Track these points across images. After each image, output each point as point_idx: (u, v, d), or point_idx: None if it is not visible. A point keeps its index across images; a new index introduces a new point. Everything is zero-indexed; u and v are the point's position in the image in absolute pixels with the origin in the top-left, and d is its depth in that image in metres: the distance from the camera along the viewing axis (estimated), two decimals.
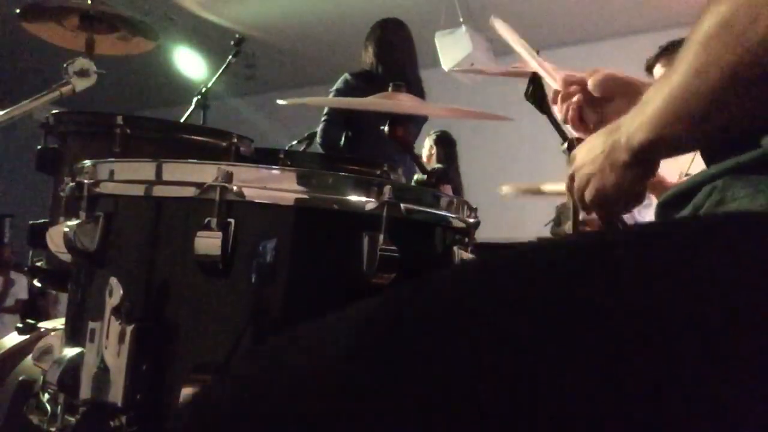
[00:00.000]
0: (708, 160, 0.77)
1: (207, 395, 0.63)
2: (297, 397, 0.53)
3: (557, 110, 1.18)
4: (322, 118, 3.21)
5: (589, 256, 0.57)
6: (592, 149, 0.85)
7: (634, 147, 0.76)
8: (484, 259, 0.70)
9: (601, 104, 1.12)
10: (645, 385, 0.51)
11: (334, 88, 3.29)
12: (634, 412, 0.51)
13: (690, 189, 0.75)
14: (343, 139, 3.22)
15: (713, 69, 0.64)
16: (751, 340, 0.55)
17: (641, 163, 0.78)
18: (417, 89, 3.31)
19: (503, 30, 1.32)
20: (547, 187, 2.75)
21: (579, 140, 1.10)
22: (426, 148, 4.62)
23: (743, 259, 0.57)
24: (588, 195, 0.86)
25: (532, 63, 1.26)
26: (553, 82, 1.20)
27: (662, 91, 0.71)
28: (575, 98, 1.13)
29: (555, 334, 0.50)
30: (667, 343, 0.53)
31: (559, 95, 1.16)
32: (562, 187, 1.38)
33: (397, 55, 3.38)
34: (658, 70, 2.47)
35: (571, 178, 0.91)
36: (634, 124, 0.76)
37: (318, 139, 3.13)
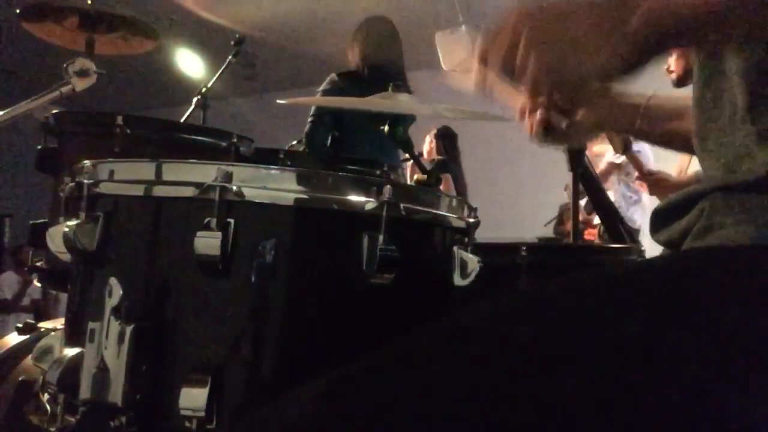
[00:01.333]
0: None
1: None
2: None
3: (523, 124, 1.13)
4: (309, 120, 3.18)
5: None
6: (575, 13, 0.63)
7: (655, 22, 0.62)
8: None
9: (569, 110, 1.10)
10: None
11: (321, 88, 3.26)
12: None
13: (682, 203, 0.76)
14: (329, 140, 3.19)
15: None
16: (734, 367, 0.58)
17: (651, 44, 0.63)
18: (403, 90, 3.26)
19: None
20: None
21: None
22: (426, 142, 4.62)
23: (725, 292, 0.60)
24: (545, 58, 0.64)
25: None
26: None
27: None
28: (539, 109, 1.09)
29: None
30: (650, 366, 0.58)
31: (525, 108, 1.12)
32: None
33: (382, 54, 3.33)
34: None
35: (512, 30, 0.65)
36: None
37: (304, 139, 3.12)
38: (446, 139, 4.60)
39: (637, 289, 0.65)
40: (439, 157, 4.47)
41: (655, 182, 2.83)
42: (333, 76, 3.26)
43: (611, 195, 3.38)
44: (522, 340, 0.63)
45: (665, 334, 0.60)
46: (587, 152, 2.19)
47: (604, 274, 0.74)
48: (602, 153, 4.08)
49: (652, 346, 0.59)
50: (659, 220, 0.80)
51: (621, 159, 3.92)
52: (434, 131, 4.59)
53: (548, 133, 1.01)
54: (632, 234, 2.84)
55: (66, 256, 0.99)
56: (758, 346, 0.59)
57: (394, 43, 3.42)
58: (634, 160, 2.98)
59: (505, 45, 0.65)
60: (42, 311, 5.78)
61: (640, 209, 4.38)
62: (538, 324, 0.64)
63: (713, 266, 0.65)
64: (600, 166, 4.03)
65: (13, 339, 1.76)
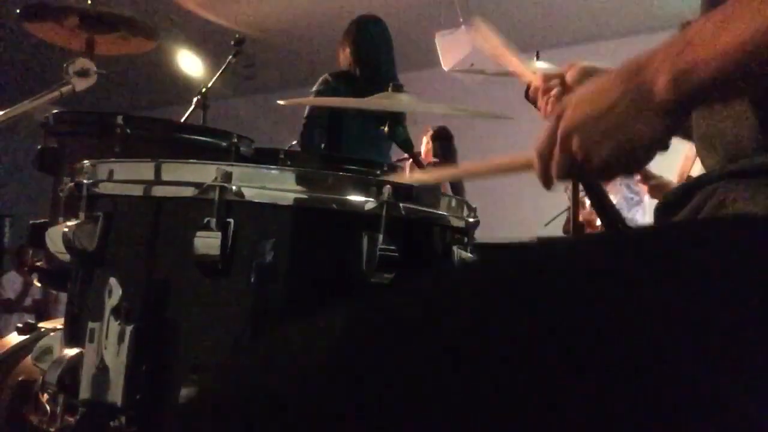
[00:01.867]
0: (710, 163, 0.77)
1: (200, 393, 0.64)
2: (285, 397, 0.54)
3: (538, 107, 1.18)
4: (302, 122, 3.17)
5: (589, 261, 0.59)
6: (597, 99, 0.70)
7: (680, 87, 0.65)
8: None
9: None
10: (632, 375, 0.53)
11: (314, 89, 3.24)
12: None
13: (688, 190, 0.75)
14: (324, 141, 3.18)
15: None
16: (749, 339, 0.56)
17: (682, 107, 0.67)
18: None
19: (483, 34, 1.32)
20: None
21: None
22: (423, 144, 4.61)
23: (740, 263, 0.58)
24: (602, 155, 0.70)
25: (512, 65, 1.26)
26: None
27: (727, 27, 0.62)
28: (554, 91, 1.13)
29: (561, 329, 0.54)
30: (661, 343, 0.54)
31: (539, 90, 1.16)
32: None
33: (373, 54, 3.28)
34: None
35: (564, 144, 0.73)
36: (680, 63, 0.65)
37: (299, 140, 3.11)
38: (441, 140, 4.58)
39: (651, 255, 0.60)
40: (434, 160, 4.45)
41: (657, 187, 2.82)
42: (326, 76, 3.23)
43: (612, 197, 3.37)
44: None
45: (680, 304, 0.57)
46: None
47: (617, 237, 0.71)
48: None
49: (668, 314, 0.56)
50: (662, 213, 0.79)
51: None
52: (430, 132, 4.57)
53: None
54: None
55: (66, 256, 0.99)
56: None
57: (385, 42, 3.36)
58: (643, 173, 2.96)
59: (562, 157, 0.72)
60: (44, 311, 5.80)
61: (641, 210, 4.37)
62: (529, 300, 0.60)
63: (730, 236, 0.62)
64: None
65: (13, 339, 1.76)
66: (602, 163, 0.70)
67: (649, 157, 0.71)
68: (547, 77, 1.15)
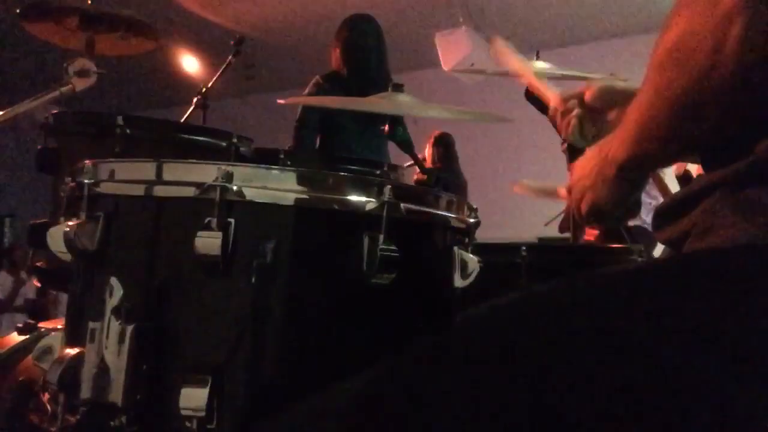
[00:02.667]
0: (703, 165, 0.77)
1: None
2: None
3: (558, 126, 1.20)
4: (295, 125, 3.14)
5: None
6: (586, 164, 0.88)
7: (618, 163, 0.80)
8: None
9: (599, 116, 1.14)
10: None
11: (306, 91, 3.21)
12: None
13: (683, 201, 0.76)
14: (317, 142, 3.17)
15: (668, 91, 0.68)
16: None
17: (627, 178, 0.82)
18: (384, 88, 3.21)
19: (502, 51, 1.34)
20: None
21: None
22: (426, 150, 4.60)
23: (725, 294, 0.61)
24: (584, 208, 0.90)
25: (533, 84, 1.29)
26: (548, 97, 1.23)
27: (634, 109, 0.74)
28: (574, 112, 1.14)
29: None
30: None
31: (558, 111, 1.18)
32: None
33: (362, 54, 3.21)
34: None
35: (569, 191, 0.95)
36: (615, 142, 0.80)
37: (293, 142, 3.10)
38: (441, 146, 4.57)
39: (638, 293, 0.65)
40: (433, 167, 4.43)
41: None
42: (317, 78, 3.19)
43: None
44: (520, 347, 0.63)
45: (666, 339, 0.60)
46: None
47: (603, 276, 0.74)
48: None
49: (653, 351, 0.59)
50: (661, 220, 0.80)
51: None
52: (432, 139, 4.57)
53: (582, 134, 1.15)
54: (632, 235, 2.83)
55: (66, 256, 0.99)
56: (759, 350, 0.59)
57: (376, 42, 3.28)
58: (658, 180, 2.98)
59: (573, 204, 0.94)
60: (36, 311, 5.76)
61: None
62: (538, 329, 0.64)
63: (714, 268, 0.65)
64: None
65: (13, 339, 1.75)
66: (585, 215, 0.90)
67: (620, 214, 0.88)
68: (566, 98, 1.17)
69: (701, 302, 0.62)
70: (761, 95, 0.62)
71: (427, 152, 4.58)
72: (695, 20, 0.63)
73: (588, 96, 1.13)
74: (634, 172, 0.82)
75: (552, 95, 1.21)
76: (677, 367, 0.59)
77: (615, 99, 1.12)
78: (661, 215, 0.80)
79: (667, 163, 0.85)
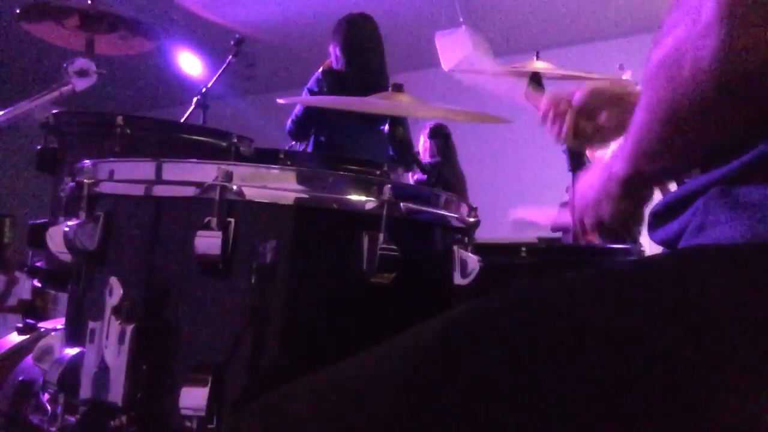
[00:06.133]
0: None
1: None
2: None
3: (549, 129, 1.21)
4: (291, 119, 3.14)
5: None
6: (590, 180, 0.90)
7: (621, 180, 0.81)
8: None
9: (593, 114, 1.14)
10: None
11: (307, 87, 3.20)
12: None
13: (679, 200, 0.76)
14: (314, 140, 3.16)
15: (657, 106, 0.69)
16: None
17: (631, 194, 0.83)
18: (383, 87, 3.21)
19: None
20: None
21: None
22: (420, 142, 4.55)
23: (718, 292, 0.61)
24: (588, 224, 0.93)
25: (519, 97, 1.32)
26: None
27: (631, 126, 0.75)
28: (568, 114, 1.14)
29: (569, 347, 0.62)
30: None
31: (550, 114, 1.18)
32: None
33: (361, 52, 3.24)
34: None
35: (572, 206, 0.98)
36: (618, 159, 0.80)
37: (292, 126, 3.09)
38: (439, 138, 4.50)
39: (633, 290, 0.66)
40: (432, 161, 4.38)
41: None
42: (318, 75, 3.20)
43: None
44: (517, 341, 0.63)
45: (661, 335, 0.60)
46: (588, 153, 2.19)
47: (600, 274, 0.74)
48: (603, 155, 4.06)
49: (648, 348, 0.60)
50: (656, 220, 0.81)
51: None
52: (427, 131, 4.50)
53: (576, 136, 1.15)
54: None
55: (66, 256, 0.99)
56: (752, 347, 0.59)
57: (375, 41, 3.31)
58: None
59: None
60: (30, 311, 5.72)
61: None
62: (534, 326, 0.65)
63: (707, 265, 0.66)
64: None
65: (13, 339, 1.76)
66: (591, 230, 0.93)
67: (621, 228, 0.90)
68: (555, 100, 1.17)
69: (694, 297, 0.63)
70: (745, 105, 0.63)
71: (422, 145, 4.51)
72: (679, 36, 0.64)
73: (577, 98, 1.13)
74: (637, 189, 0.83)
75: (541, 99, 1.22)
76: (675, 362, 0.59)
77: (605, 100, 1.13)
78: (656, 216, 0.80)
79: (670, 177, 0.86)
